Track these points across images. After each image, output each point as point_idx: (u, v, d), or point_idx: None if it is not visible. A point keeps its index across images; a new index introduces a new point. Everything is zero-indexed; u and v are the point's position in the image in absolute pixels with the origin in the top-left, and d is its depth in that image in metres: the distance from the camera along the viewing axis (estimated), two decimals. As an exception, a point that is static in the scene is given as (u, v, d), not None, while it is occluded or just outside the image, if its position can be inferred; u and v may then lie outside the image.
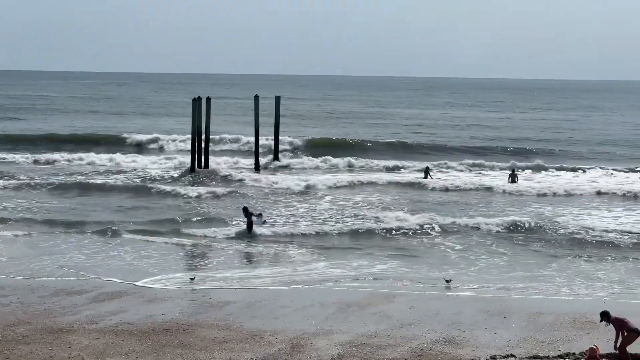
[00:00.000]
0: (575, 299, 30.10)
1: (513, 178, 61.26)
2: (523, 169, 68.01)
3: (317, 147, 79.86)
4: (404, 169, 69.02)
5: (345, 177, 62.94)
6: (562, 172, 67.41)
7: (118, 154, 75.37)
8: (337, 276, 33.46)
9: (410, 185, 59.81)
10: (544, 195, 55.66)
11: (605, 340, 23.94)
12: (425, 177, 62.62)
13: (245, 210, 42.55)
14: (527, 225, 43.62)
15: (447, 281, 31.78)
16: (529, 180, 62.13)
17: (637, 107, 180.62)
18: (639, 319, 26.27)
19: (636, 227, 43.76)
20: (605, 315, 22.72)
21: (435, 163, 69.73)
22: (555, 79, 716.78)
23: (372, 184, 60.26)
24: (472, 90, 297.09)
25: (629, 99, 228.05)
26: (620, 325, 22.55)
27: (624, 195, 55.60)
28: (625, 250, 38.94)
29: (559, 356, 23.09)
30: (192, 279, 32.18)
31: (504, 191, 56.58)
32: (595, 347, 22.20)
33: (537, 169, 69.34)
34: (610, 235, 41.66)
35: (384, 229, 42.47)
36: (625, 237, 41.33)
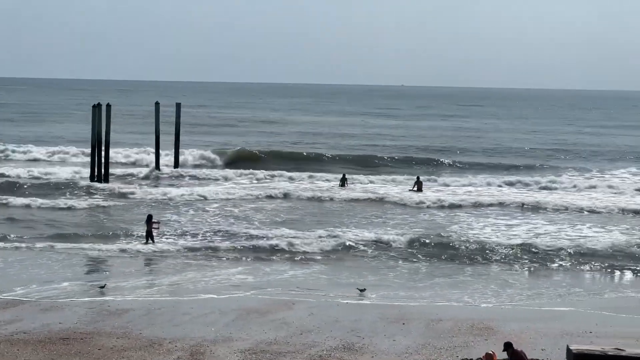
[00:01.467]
0: (474, 306, 30.47)
1: (419, 186, 61.96)
2: (429, 178, 68.47)
3: (225, 157, 79.55)
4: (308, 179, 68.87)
5: (246, 187, 62.77)
6: (460, 180, 68.17)
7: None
8: (237, 284, 33.38)
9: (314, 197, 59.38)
10: (444, 205, 55.84)
11: (501, 346, 24.32)
12: (342, 185, 63.55)
13: (149, 218, 42.24)
14: (429, 234, 44.01)
15: (360, 290, 31.83)
16: (433, 190, 62.59)
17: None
18: (538, 324, 26.88)
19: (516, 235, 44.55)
20: (509, 347, 22.94)
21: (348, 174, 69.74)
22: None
23: (281, 195, 59.78)
24: (373, 98, 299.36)
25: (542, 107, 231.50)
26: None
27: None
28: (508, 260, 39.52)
29: (457, 362, 23.39)
30: (102, 287, 31.77)
31: (404, 203, 56.49)
32: (492, 353, 22.51)
33: (438, 175, 70.35)
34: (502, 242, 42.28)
35: (276, 244, 41.83)
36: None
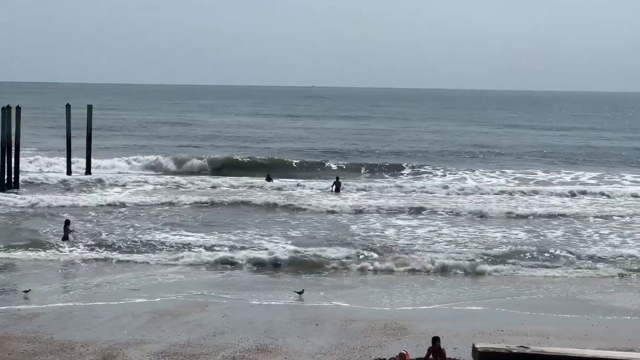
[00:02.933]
0: (387, 307, 30.68)
1: (337, 186, 62.49)
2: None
3: (142, 163, 78.56)
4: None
5: (158, 192, 62.36)
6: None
7: None
8: (147, 286, 33.22)
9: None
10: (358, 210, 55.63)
11: (414, 345, 24.60)
12: (269, 180, 65.02)
13: (66, 223, 41.78)
14: (339, 236, 44.26)
15: (299, 293, 31.83)
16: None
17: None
18: (450, 324, 27.24)
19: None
20: (437, 340, 23.19)
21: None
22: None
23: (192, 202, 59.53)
24: (281, 98, 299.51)
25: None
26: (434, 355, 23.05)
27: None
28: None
29: (370, 362, 23.58)
30: (26, 291, 31.35)
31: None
32: (405, 352, 22.77)
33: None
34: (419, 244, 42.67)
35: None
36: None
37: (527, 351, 9.59)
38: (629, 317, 29.92)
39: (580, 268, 37.92)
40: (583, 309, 30.86)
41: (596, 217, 51.92)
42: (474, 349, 11.60)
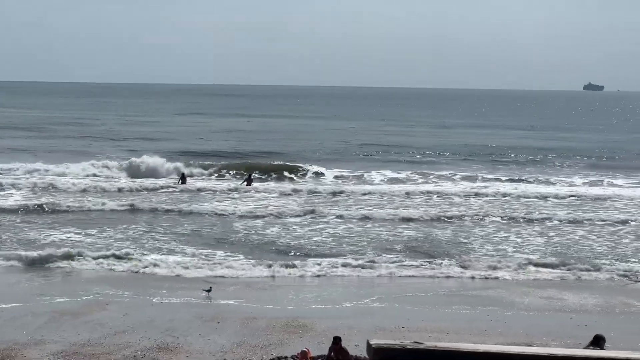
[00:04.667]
0: (291, 307, 30.74)
1: (249, 182, 63.41)
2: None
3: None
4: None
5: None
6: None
7: None
8: (45, 289, 32.69)
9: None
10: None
11: (316, 343, 24.78)
12: (182, 182, 63.84)
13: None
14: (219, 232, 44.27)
15: (207, 291, 31.72)
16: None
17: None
18: (352, 321, 27.51)
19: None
20: (339, 340, 23.33)
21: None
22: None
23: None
24: (181, 96, 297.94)
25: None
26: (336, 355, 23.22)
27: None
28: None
29: (271, 359, 23.67)
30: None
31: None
32: (306, 350, 22.91)
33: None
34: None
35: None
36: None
37: (421, 347, 9.71)
38: (526, 313, 30.47)
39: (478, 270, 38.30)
40: (483, 305, 31.33)
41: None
42: (369, 345, 11.74)
